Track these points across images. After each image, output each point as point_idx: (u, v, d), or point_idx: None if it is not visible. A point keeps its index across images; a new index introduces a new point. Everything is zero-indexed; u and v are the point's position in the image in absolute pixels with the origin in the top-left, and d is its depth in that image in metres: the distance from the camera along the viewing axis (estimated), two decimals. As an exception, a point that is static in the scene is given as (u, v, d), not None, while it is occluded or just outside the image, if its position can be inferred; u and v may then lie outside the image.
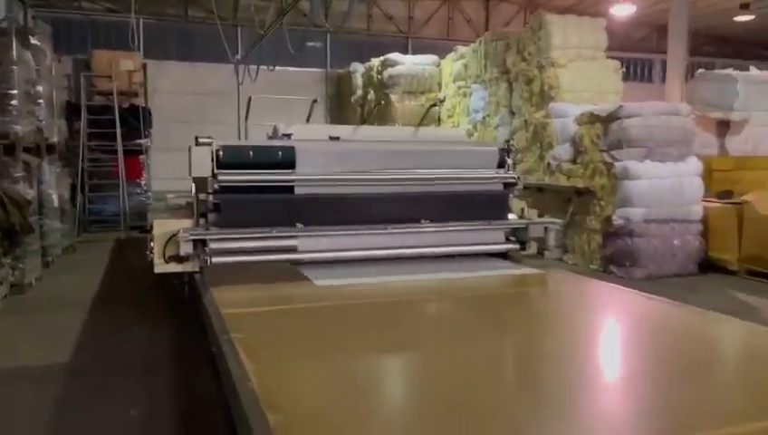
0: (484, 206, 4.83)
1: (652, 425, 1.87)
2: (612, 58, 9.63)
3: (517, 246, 4.87)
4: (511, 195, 5.08)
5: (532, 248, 5.09)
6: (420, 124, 6.66)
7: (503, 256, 4.88)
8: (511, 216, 4.98)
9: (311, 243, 4.27)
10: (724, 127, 9.58)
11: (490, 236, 4.80)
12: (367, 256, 4.37)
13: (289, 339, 2.76)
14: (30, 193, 6.76)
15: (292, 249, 4.22)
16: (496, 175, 4.98)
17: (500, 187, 4.98)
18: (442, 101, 8.74)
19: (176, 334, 5.03)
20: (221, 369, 2.38)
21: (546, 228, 4.94)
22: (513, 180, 5.02)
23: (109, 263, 8.41)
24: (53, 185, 8.25)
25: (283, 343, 2.67)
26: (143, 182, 11.75)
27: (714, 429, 1.85)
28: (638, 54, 16.68)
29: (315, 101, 6.21)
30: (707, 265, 7.60)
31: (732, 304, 6.12)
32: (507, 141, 5.33)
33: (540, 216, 8.06)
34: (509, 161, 5.08)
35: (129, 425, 3.43)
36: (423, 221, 4.51)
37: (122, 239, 10.19)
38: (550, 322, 3.40)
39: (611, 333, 3.17)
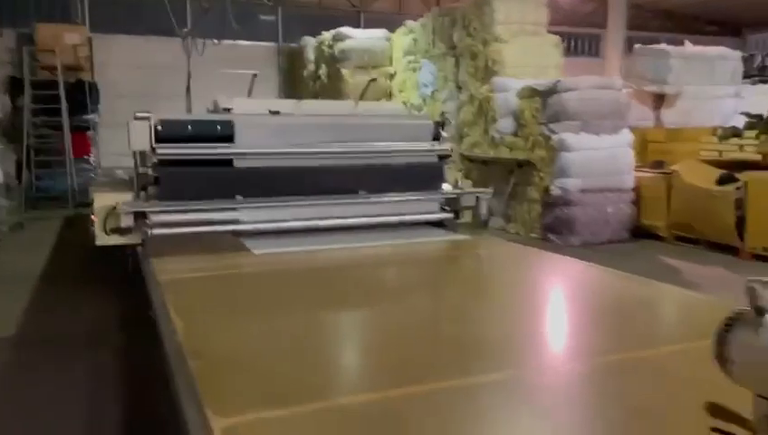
0: (419, 177, 5.01)
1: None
2: (559, 33, 9.89)
3: (451, 215, 5.06)
4: (445, 166, 5.26)
5: (467, 217, 5.33)
6: (361, 99, 6.82)
7: (439, 225, 5.06)
8: (445, 186, 5.17)
9: (252, 214, 4.39)
10: (659, 100, 10.01)
11: (425, 206, 4.98)
12: (306, 227, 4.50)
13: (221, 301, 2.94)
14: (-28, 169, 6.72)
15: (235, 221, 4.34)
16: (431, 147, 5.16)
17: (435, 159, 5.18)
18: (374, 80, 8.92)
19: (120, 305, 5.16)
20: (157, 330, 2.55)
21: (477, 198, 5.14)
22: (446, 153, 5.22)
23: (56, 239, 8.39)
24: (-3, 161, 8.19)
25: (215, 305, 2.85)
26: (92, 158, 11.64)
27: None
28: (585, 29, 17.05)
29: (255, 75, 6.30)
30: (639, 232, 8.02)
31: (657, 268, 6.54)
32: (441, 114, 5.54)
33: (485, 187, 8.42)
34: (443, 134, 5.28)
35: (74, 389, 3.60)
36: (360, 192, 4.67)
37: (71, 216, 10.13)
38: (474, 283, 3.66)
39: (530, 293, 3.42)
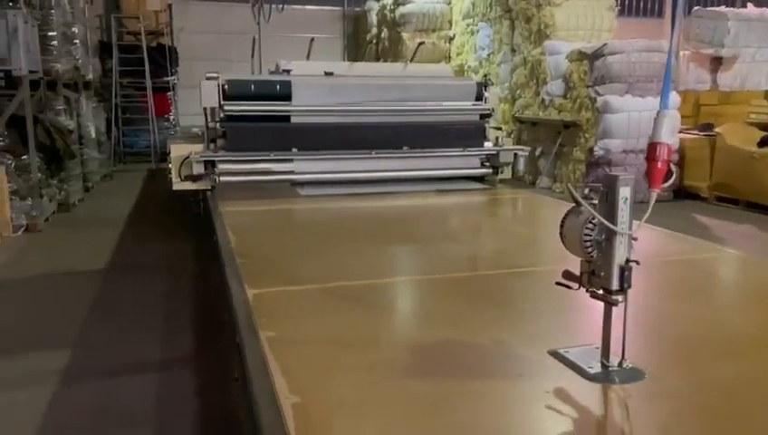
0: (461, 134, 5.36)
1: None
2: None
3: (491, 171, 5.42)
4: (486, 124, 5.57)
5: (506, 173, 5.70)
6: (411, 61, 7.27)
7: (479, 180, 5.39)
8: (487, 144, 5.48)
9: (306, 166, 4.95)
10: (716, 63, 9.97)
11: (467, 162, 5.35)
12: (354, 179, 4.98)
13: (270, 225, 3.63)
14: (71, 124, 7.71)
15: (291, 171, 4.90)
16: (474, 106, 5.53)
17: (476, 117, 5.53)
18: (422, 43, 9.28)
19: (194, 241, 6.00)
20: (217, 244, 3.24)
21: (516, 154, 5.45)
22: (487, 112, 5.54)
23: (140, 189, 9.42)
24: (91, 118, 9.20)
25: (264, 227, 3.55)
26: (171, 117, 12.66)
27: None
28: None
29: (312, 39, 6.87)
30: (682, 193, 8.24)
31: (691, 225, 6.83)
32: (484, 76, 5.96)
33: (534, 147, 8.77)
34: (486, 94, 5.59)
35: (155, 295, 4.43)
36: (405, 148, 5.11)
37: (153, 169, 11.19)
38: (504, 231, 4.02)
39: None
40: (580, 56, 8.41)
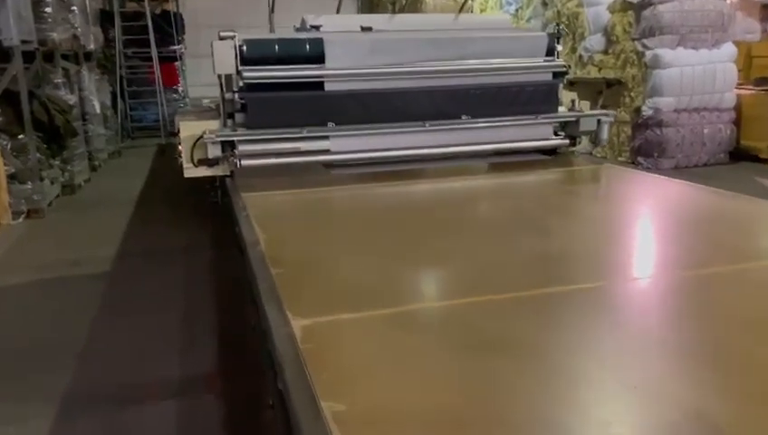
0: (531, 98, 4.40)
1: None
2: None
3: (567, 142, 4.48)
4: (560, 85, 4.60)
5: (584, 144, 4.84)
6: (460, 12, 6.41)
7: (552, 152, 4.54)
8: (560, 109, 4.56)
9: (345, 143, 4.06)
10: (766, 11, 9.13)
11: (538, 132, 4.43)
12: (404, 157, 4.14)
13: (306, 218, 3.01)
14: (71, 98, 7.10)
15: (325, 151, 4.03)
16: (546, 63, 4.49)
17: (549, 77, 4.51)
18: None
19: (212, 225, 5.42)
20: (239, 241, 2.62)
21: (599, 121, 4.50)
22: (563, 69, 4.55)
23: (150, 166, 8.83)
24: (94, 92, 8.58)
25: (299, 220, 2.94)
26: (180, 88, 12.01)
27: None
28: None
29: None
30: (738, 154, 7.53)
31: (752, 189, 6.14)
32: (556, 24, 5.13)
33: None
34: (558, 48, 4.62)
35: (170, 290, 3.87)
36: (464, 117, 4.23)
37: (163, 144, 10.60)
38: (596, 210, 3.30)
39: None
40: (625, 6, 7.63)
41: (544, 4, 9.59)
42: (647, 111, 7.28)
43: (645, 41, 7.32)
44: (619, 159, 7.81)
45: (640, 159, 7.45)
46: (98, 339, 3.34)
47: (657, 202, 3.38)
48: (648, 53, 7.22)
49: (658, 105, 7.19)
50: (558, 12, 9.15)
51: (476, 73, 4.37)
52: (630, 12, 7.55)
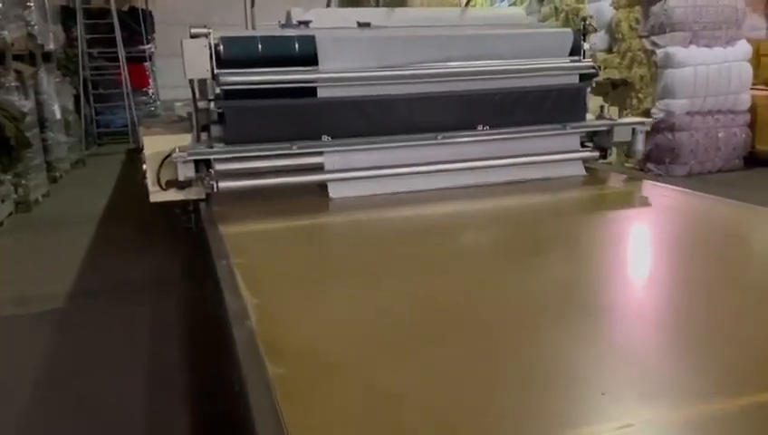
0: (556, 104, 3.87)
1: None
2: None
3: (596, 154, 4.00)
4: (588, 89, 4.12)
5: (615, 156, 4.31)
6: (467, 5, 5.74)
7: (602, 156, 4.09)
8: (588, 116, 4.08)
9: (341, 159, 3.51)
10: (774, 7, 8.69)
11: (564, 143, 3.91)
12: (413, 172, 3.60)
13: (306, 263, 2.39)
14: (26, 105, 6.35)
15: (318, 168, 3.49)
16: (573, 64, 3.99)
17: (575, 79, 3.99)
18: None
19: (184, 249, 4.73)
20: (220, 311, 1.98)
21: (634, 130, 4.06)
22: (592, 71, 4.06)
23: (118, 176, 8.08)
24: (54, 96, 7.80)
25: (296, 266, 2.30)
26: (151, 91, 11.24)
27: None
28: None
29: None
30: (754, 159, 7.05)
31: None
32: (583, 19, 4.50)
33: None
34: (585, 46, 4.10)
35: (133, 341, 3.19)
36: (480, 127, 3.71)
37: (132, 149, 9.82)
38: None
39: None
40: (631, 1, 7.10)
41: (540, 1, 9.05)
42: (657, 114, 6.75)
43: (654, 38, 6.79)
44: (627, 164, 7.28)
45: (650, 166, 6.93)
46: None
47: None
48: (659, 52, 6.69)
49: (670, 107, 6.67)
50: (555, 8, 8.60)
51: (494, 76, 3.79)
52: (637, 8, 7.02)
